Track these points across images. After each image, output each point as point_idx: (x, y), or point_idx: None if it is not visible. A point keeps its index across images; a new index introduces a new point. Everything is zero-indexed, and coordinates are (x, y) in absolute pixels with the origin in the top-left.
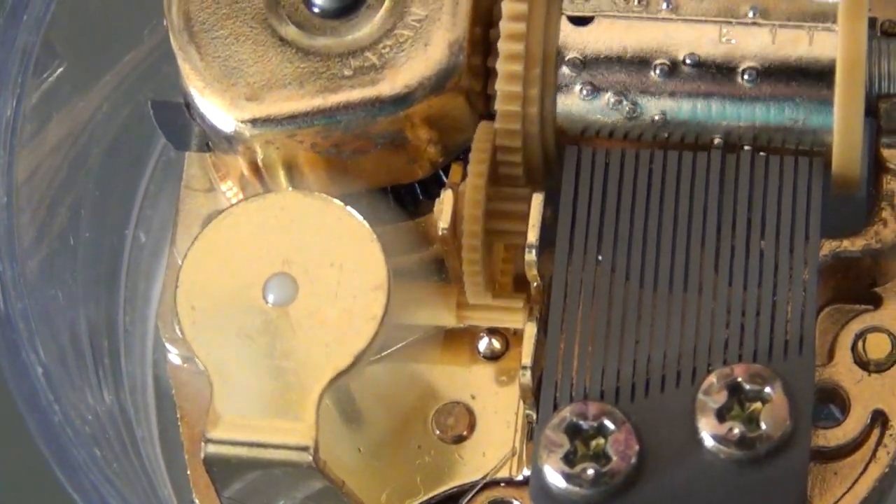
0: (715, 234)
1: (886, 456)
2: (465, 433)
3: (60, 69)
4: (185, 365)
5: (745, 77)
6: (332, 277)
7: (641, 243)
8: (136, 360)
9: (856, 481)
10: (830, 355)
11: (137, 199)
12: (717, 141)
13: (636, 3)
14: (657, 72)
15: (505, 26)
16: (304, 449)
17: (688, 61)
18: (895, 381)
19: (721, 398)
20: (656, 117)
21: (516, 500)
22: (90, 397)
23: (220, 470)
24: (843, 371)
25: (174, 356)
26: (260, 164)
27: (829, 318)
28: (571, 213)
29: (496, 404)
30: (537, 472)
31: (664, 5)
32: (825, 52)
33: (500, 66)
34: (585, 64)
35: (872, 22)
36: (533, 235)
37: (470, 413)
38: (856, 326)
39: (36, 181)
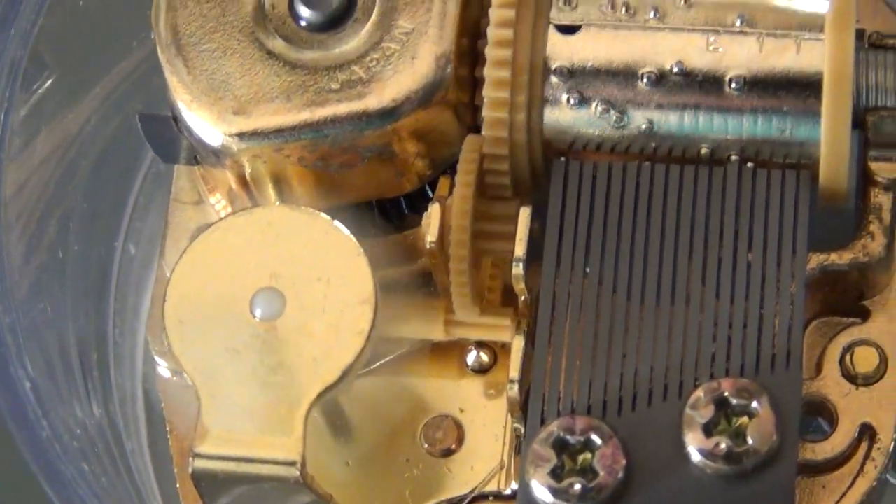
0: (702, 247)
1: (874, 469)
2: (453, 446)
3: (49, 81)
4: (175, 378)
5: (733, 85)
6: (319, 292)
7: (629, 256)
8: (126, 373)
9: (843, 495)
10: (818, 368)
11: (127, 211)
12: (704, 151)
13: (623, 11)
14: (644, 80)
15: (492, 33)
16: (292, 464)
17: (675, 70)
18: (883, 395)
19: (708, 413)
20: (643, 126)
21: None
22: (79, 410)
23: (209, 484)
24: (830, 384)
25: (163, 369)
26: (248, 177)
27: (817, 332)
28: (559, 226)
29: (484, 418)
30: (525, 487)
31: (651, 14)
32: (812, 63)
33: (488, 72)
34: (573, 73)
35: (860, 34)
36: (520, 249)
37: (458, 426)
38: (843, 340)
39: (25, 195)
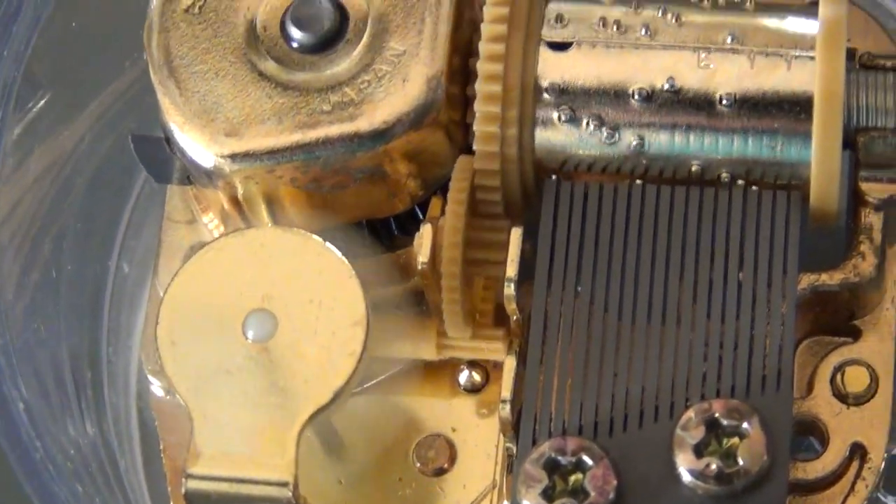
0: (693, 268)
1: (865, 489)
2: (445, 466)
3: (43, 101)
4: (168, 397)
5: (724, 102)
6: (311, 313)
7: (620, 276)
8: (120, 391)
9: None
10: (809, 388)
11: (120, 230)
12: (694, 169)
13: (615, 29)
14: (636, 97)
15: (484, 48)
16: (284, 485)
17: (666, 87)
18: (874, 414)
19: (699, 433)
20: (634, 143)
21: None
22: (72, 429)
23: None
24: (821, 404)
25: (157, 388)
26: (240, 198)
27: (809, 351)
28: (550, 246)
29: (477, 437)
30: None
31: (643, 31)
32: (803, 82)
33: (479, 87)
34: (564, 89)
35: (851, 53)
36: (512, 269)
37: (451, 445)
38: (835, 359)
39: (18, 215)
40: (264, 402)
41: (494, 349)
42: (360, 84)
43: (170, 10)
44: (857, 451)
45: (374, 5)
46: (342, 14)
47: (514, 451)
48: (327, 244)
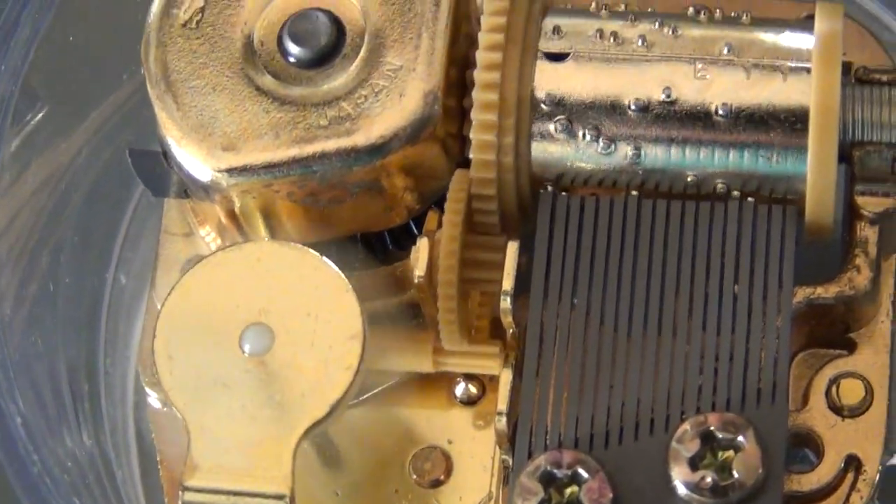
0: (689, 281)
1: (860, 501)
2: (441, 477)
3: (41, 114)
4: (165, 409)
5: (720, 113)
6: (308, 327)
7: (616, 289)
8: (117, 402)
9: None
10: (805, 400)
11: (118, 242)
12: (690, 179)
13: (612, 40)
14: (632, 108)
15: (479, 76)
16: (281, 498)
17: (662, 97)
18: (869, 427)
19: (694, 446)
20: (630, 153)
21: None
22: (69, 441)
23: None
24: (817, 416)
25: (154, 400)
26: (237, 212)
27: (804, 364)
28: (546, 259)
29: (473, 449)
30: None
31: (639, 43)
32: (799, 96)
33: (475, 115)
34: (561, 100)
35: (847, 67)
36: (508, 283)
37: (447, 457)
38: (830, 372)
39: (16, 228)
40: (261, 416)
41: (490, 362)
42: (356, 99)
43: (167, 24)
44: (852, 463)
45: (370, 20)
46: (339, 29)
47: (511, 464)
48: (324, 258)
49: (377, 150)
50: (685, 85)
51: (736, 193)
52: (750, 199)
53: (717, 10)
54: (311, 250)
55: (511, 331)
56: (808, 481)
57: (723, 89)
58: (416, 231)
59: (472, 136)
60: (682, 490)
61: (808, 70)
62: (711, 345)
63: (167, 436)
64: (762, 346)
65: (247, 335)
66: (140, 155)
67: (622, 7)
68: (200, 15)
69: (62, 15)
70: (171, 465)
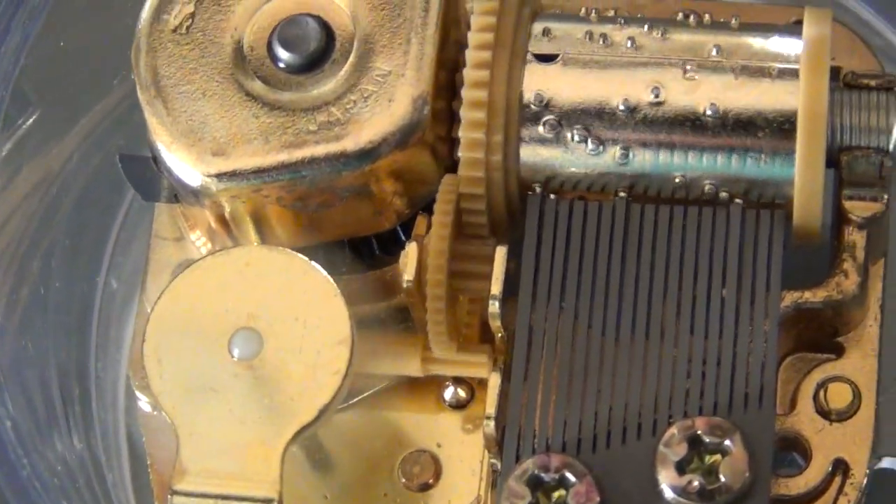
0: (677, 285)
1: None
2: (430, 481)
3: (32, 118)
4: (156, 413)
5: (708, 114)
6: (296, 332)
7: (604, 293)
8: (108, 406)
9: None
10: (793, 404)
11: (109, 247)
12: (678, 180)
13: (601, 42)
14: (621, 108)
15: (468, 74)
16: (269, 502)
17: (651, 98)
18: (856, 431)
19: (681, 450)
20: (619, 154)
21: None
22: (59, 444)
23: None
24: (804, 420)
25: (144, 403)
26: (227, 216)
27: (792, 368)
28: (534, 263)
29: (462, 453)
30: None
31: (628, 44)
32: (787, 101)
33: (463, 113)
34: (550, 101)
35: (836, 72)
36: (496, 287)
37: (436, 461)
38: (818, 376)
39: (7, 233)
40: (249, 420)
41: (479, 366)
42: (346, 104)
43: (157, 30)
44: (840, 467)
45: (360, 26)
46: (328, 34)
47: (499, 467)
48: (313, 263)
49: (366, 155)
50: (674, 86)
51: (724, 195)
52: (738, 200)
53: (707, 15)
54: (299, 255)
55: (500, 335)
56: (796, 485)
57: (711, 90)
58: (402, 236)
59: (460, 134)
60: (669, 494)
61: (796, 74)
62: (699, 349)
63: (158, 439)
64: (749, 350)
65: (236, 339)
66: (130, 160)
67: (611, 13)
68: (190, 20)
69: (53, 20)
70: (161, 468)
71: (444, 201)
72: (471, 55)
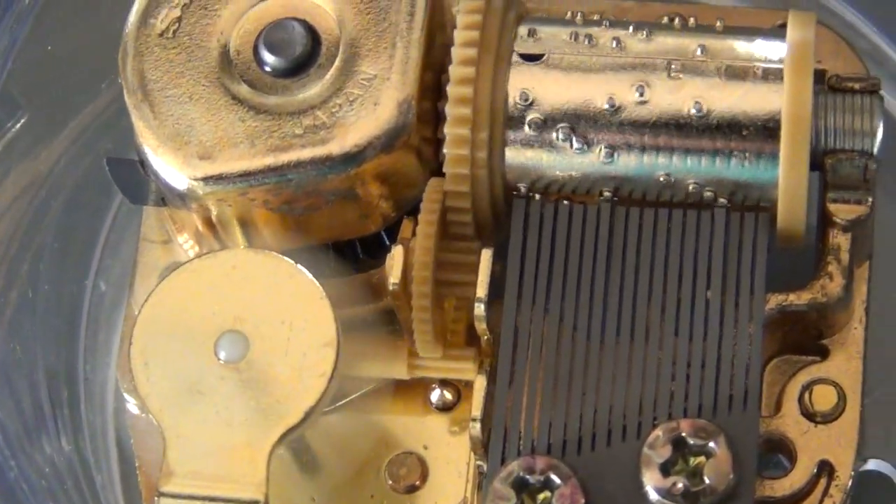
0: (661, 287)
1: None
2: (417, 483)
3: (21, 122)
4: (144, 415)
5: (693, 112)
6: (282, 334)
7: (589, 296)
8: (97, 408)
9: None
10: (778, 406)
11: (97, 249)
12: (662, 179)
13: (586, 42)
14: (606, 107)
15: (454, 72)
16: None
17: (636, 96)
18: (841, 433)
19: (665, 452)
20: (604, 152)
21: None
22: (48, 446)
23: None
24: (789, 422)
25: (132, 405)
26: (214, 219)
27: (777, 370)
28: (520, 265)
29: (448, 455)
30: None
31: (613, 44)
32: (771, 104)
33: (449, 109)
34: (535, 100)
35: (820, 75)
36: (482, 290)
37: (422, 463)
38: (803, 378)
39: None
40: (236, 422)
41: (465, 369)
42: (331, 108)
43: (144, 34)
44: (825, 469)
45: (345, 30)
46: (314, 39)
47: (485, 469)
48: (299, 266)
49: (352, 158)
50: (659, 85)
51: (709, 195)
52: (722, 200)
53: (692, 19)
54: (285, 258)
55: (485, 337)
56: (781, 487)
57: (696, 90)
58: (386, 240)
59: (445, 131)
60: (653, 496)
61: (781, 77)
62: (684, 351)
63: (146, 441)
64: (734, 352)
65: (222, 342)
66: (118, 163)
67: (596, 17)
68: (177, 25)
69: (41, 24)
70: (149, 470)
71: (430, 202)
72: (456, 52)
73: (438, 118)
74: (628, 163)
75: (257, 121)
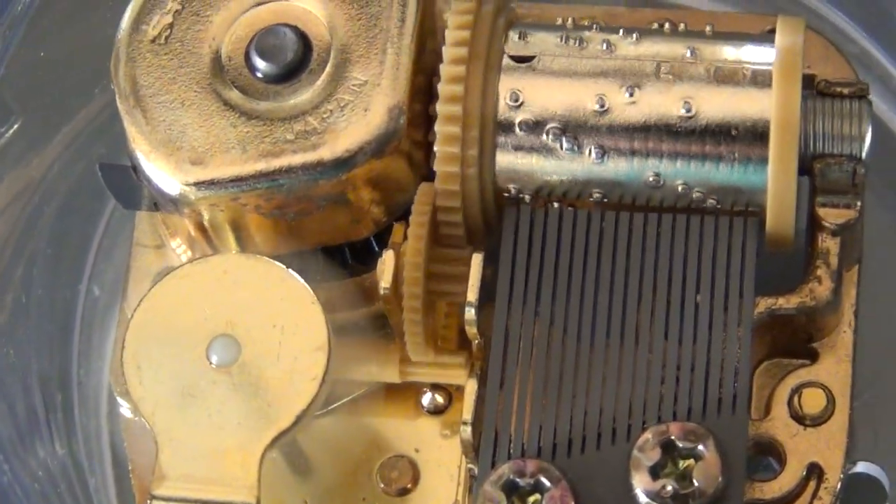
0: (651, 291)
1: None
2: (409, 486)
3: (14, 128)
4: (137, 418)
5: (683, 112)
6: (274, 339)
7: (579, 300)
8: (91, 412)
9: None
10: (767, 409)
11: (91, 254)
12: (652, 179)
13: (576, 45)
14: (596, 108)
15: (445, 70)
16: None
17: (626, 97)
18: (830, 435)
19: (655, 455)
20: (594, 153)
21: None
22: (41, 450)
23: None
24: (779, 425)
25: (125, 409)
26: (206, 224)
27: (767, 373)
28: (510, 269)
29: (439, 458)
30: None
31: (603, 46)
32: (760, 107)
33: (439, 127)
34: (525, 101)
35: (809, 80)
36: (472, 294)
37: (414, 466)
38: (792, 381)
39: None
40: (228, 425)
41: (456, 372)
42: (322, 113)
43: (136, 40)
44: (814, 472)
45: (337, 36)
46: (306, 45)
47: (476, 472)
48: (290, 271)
49: (343, 163)
50: (648, 86)
51: (698, 196)
52: (712, 200)
53: (682, 24)
54: (277, 263)
55: (476, 341)
56: (771, 489)
57: (685, 90)
58: (374, 245)
59: (436, 148)
60: (643, 499)
61: (770, 82)
62: (673, 354)
63: (139, 445)
64: (723, 356)
65: (214, 346)
66: (110, 169)
67: (587, 22)
68: (169, 31)
69: (34, 30)
70: (142, 473)
71: (421, 205)
72: (447, 52)
73: (429, 124)
74: (618, 164)
75: (249, 126)
